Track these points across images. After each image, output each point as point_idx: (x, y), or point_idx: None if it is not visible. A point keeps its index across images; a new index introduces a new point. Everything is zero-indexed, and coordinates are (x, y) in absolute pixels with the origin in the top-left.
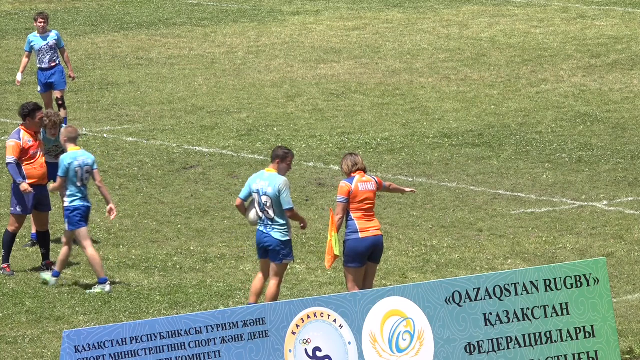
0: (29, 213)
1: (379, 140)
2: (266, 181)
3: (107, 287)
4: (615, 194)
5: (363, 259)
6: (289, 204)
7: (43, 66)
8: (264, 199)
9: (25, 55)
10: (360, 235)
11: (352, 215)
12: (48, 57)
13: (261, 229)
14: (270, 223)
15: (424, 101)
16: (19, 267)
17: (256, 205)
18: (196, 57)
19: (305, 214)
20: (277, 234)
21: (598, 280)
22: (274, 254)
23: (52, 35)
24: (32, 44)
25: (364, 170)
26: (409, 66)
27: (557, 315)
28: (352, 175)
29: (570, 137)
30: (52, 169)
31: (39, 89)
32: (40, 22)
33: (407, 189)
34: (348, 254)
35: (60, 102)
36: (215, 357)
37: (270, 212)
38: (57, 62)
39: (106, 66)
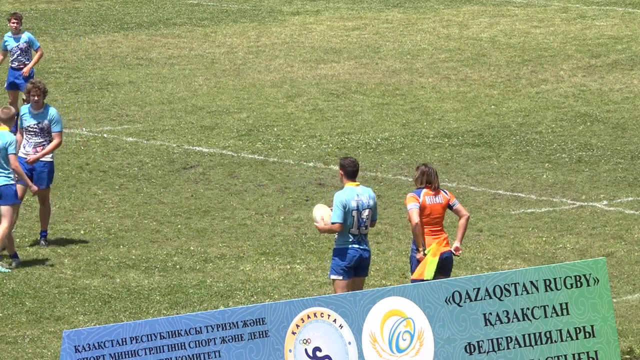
0: None
1: (379, 140)
2: (365, 194)
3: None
4: (615, 194)
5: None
6: (377, 215)
7: (13, 65)
8: (365, 213)
9: (1, 54)
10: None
11: None
12: (18, 58)
13: (356, 246)
14: (364, 238)
15: (424, 101)
16: (19, 267)
17: (355, 223)
18: (196, 57)
19: (305, 214)
20: (369, 247)
21: (598, 280)
22: (365, 269)
23: (24, 37)
24: (5, 44)
25: (436, 189)
26: (409, 66)
27: (557, 315)
28: (420, 188)
29: (570, 137)
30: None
31: (5, 85)
32: (13, 23)
33: (458, 242)
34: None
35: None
36: (215, 357)
37: (368, 226)
38: (27, 65)
39: (106, 66)
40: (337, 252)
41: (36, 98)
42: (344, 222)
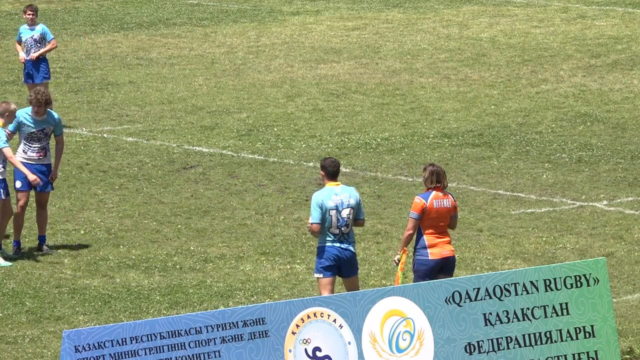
0: None
1: (379, 140)
2: (345, 194)
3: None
4: (615, 194)
5: (431, 277)
6: (363, 214)
7: (28, 58)
8: (346, 212)
9: (17, 44)
10: (429, 250)
11: (423, 231)
12: (32, 50)
13: (337, 245)
14: (346, 237)
15: (424, 101)
16: (19, 267)
17: (333, 222)
18: (196, 57)
19: (305, 214)
20: (353, 247)
21: (598, 280)
22: (351, 268)
23: (38, 29)
24: (20, 35)
25: (444, 188)
26: (409, 66)
27: (557, 315)
28: (430, 190)
29: (570, 137)
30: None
31: (23, 79)
32: (29, 15)
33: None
34: (417, 271)
35: None
36: (215, 357)
37: (350, 225)
38: (42, 56)
39: (106, 66)
40: (318, 251)
41: (36, 109)
42: (321, 222)
